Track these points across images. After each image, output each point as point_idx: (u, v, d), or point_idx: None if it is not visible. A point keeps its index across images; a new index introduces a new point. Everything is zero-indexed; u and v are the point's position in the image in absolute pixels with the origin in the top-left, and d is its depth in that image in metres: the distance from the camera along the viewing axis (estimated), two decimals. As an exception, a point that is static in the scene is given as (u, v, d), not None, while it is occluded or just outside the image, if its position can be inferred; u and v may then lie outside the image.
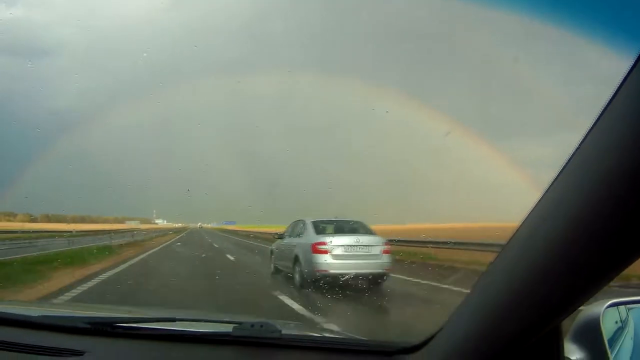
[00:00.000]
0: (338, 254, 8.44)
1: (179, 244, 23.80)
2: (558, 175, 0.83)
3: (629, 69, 0.72)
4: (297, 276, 8.88)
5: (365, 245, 8.60)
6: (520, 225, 0.92)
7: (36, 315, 1.59)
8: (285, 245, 9.95)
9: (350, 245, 8.59)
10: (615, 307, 1.29)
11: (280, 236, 10.61)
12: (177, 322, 1.54)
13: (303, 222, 9.69)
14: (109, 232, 23.28)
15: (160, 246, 20.79)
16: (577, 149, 0.80)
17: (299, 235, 9.54)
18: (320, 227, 9.36)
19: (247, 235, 30.46)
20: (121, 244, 18.78)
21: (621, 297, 1.28)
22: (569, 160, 0.81)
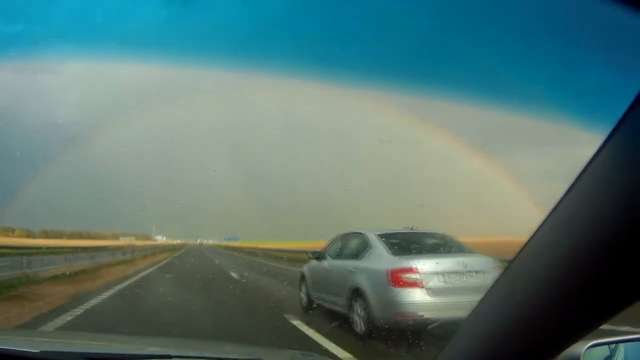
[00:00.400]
0: (436, 286, 5.39)
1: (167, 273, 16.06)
2: (559, 203, 0.84)
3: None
4: (358, 320, 5.84)
5: (476, 272, 5.51)
6: (516, 256, 0.93)
7: (36, 351, 1.64)
8: (331, 270, 6.88)
9: (454, 273, 5.50)
10: (600, 347, 1.28)
11: (318, 255, 7.51)
12: (172, 359, 1.60)
13: (362, 235, 6.62)
14: (97, 249, 21.53)
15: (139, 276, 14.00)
16: (568, 191, 0.81)
17: (356, 255, 6.47)
18: (396, 244, 6.15)
19: (253, 252, 28.27)
20: (102, 265, 15.85)
21: (603, 337, 1.27)
22: (574, 183, 0.81)
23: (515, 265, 0.94)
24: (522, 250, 0.91)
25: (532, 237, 0.89)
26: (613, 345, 1.32)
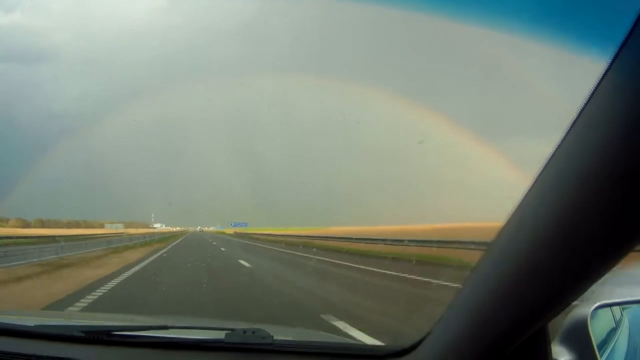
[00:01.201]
0: None
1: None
2: (541, 172, 0.84)
3: (608, 63, 0.73)
4: None
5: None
6: (505, 223, 0.92)
7: (33, 325, 1.64)
8: None
9: None
10: (608, 308, 1.27)
11: None
12: (170, 330, 1.58)
13: None
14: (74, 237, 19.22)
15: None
16: (560, 144, 0.80)
17: None
18: None
19: (274, 240, 24.05)
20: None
21: (611, 298, 1.26)
22: (552, 156, 0.81)
23: (508, 228, 0.93)
24: (514, 211, 0.90)
25: (523, 199, 0.88)
26: (620, 307, 1.31)
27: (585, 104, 0.76)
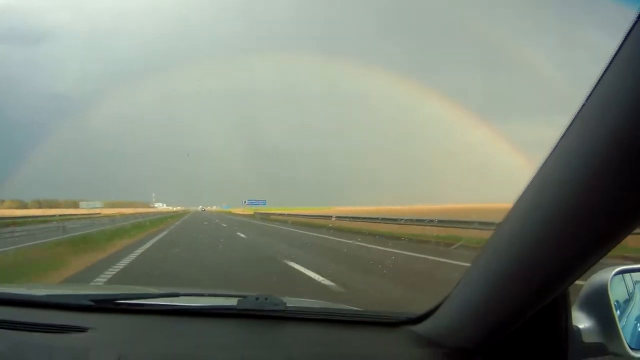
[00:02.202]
0: None
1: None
2: (554, 149, 0.84)
3: (617, 46, 0.72)
4: None
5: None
6: (521, 194, 0.93)
7: (40, 294, 1.64)
8: None
9: None
10: (628, 274, 1.28)
11: None
12: (180, 297, 1.58)
13: None
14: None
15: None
16: (570, 125, 0.81)
17: None
18: None
19: (307, 223, 19.84)
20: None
21: (629, 264, 1.26)
22: (564, 134, 0.82)
23: (525, 197, 0.93)
24: (531, 181, 0.90)
25: (540, 168, 0.88)
26: (639, 273, 1.31)
27: (594, 88, 0.76)
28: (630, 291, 1.29)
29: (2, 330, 1.40)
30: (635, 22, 0.70)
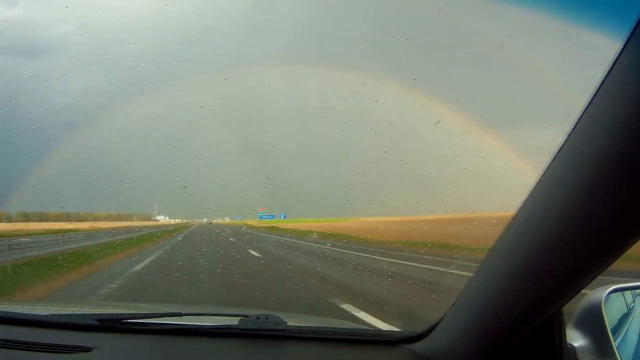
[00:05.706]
0: None
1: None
2: (553, 160, 0.85)
3: (617, 53, 0.72)
4: None
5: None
6: (518, 210, 0.93)
7: (46, 314, 1.64)
8: None
9: None
10: (621, 293, 1.28)
11: None
12: (183, 317, 1.60)
13: None
14: None
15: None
16: (570, 133, 0.81)
17: None
18: None
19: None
20: None
21: (624, 282, 1.26)
22: (562, 145, 0.82)
23: (520, 215, 0.93)
24: (526, 199, 0.91)
25: (534, 187, 0.89)
26: (632, 291, 1.32)
27: (595, 93, 0.76)
28: (625, 310, 1.30)
29: (8, 350, 1.41)
30: (636, 27, 0.70)
